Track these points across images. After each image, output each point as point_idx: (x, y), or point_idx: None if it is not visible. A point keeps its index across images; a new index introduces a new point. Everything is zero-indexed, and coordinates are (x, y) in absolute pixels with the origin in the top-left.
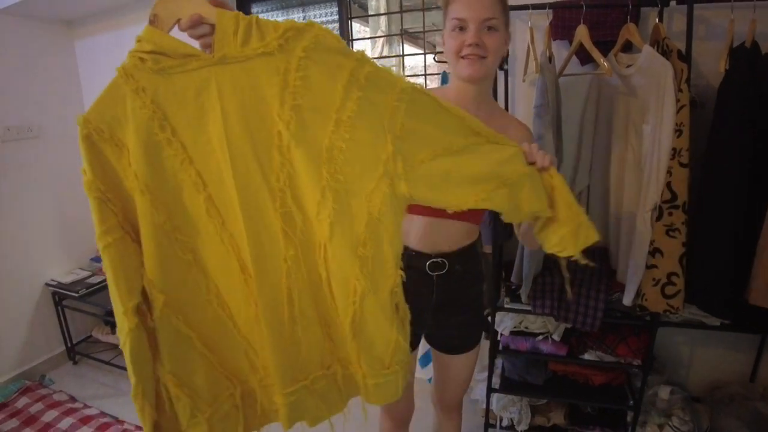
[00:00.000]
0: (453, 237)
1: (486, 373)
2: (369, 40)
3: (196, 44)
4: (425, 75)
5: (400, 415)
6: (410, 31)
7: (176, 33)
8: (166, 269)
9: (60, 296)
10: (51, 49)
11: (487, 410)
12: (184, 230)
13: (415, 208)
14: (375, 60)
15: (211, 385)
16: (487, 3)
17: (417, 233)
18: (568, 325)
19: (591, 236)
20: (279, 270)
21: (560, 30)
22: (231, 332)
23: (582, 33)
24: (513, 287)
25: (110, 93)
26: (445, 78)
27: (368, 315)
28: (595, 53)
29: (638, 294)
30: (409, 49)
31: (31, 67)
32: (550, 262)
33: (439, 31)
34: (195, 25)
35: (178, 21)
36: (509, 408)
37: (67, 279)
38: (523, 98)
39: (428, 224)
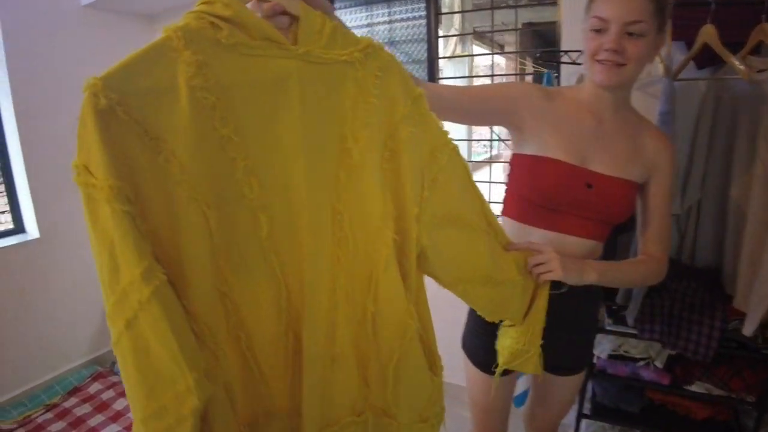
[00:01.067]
0: (576, 255)
1: (576, 397)
2: (442, 38)
3: None
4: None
5: None
6: (479, 30)
7: None
8: (211, 308)
9: None
10: (133, 41)
11: None
12: (229, 256)
13: (535, 220)
14: (447, 59)
15: None
16: (636, 3)
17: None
18: (674, 352)
19: (527, 369)
20: (326, 301)
21: (677, 29)
22: (252, 369)
23: (709, 33)
24: (614, 307)
25: (152, 55)
26: (549, 78)
27: (414, 360)
28: (728, 56)
29: (762, 324)
30: (477, 49)
31: (113, 59)
32: (659, 282)
33: (510, 32)
34: (277, 13)
35: (260, 1)
36: None
37: None
38: (634, 102)
39: (549, 238)
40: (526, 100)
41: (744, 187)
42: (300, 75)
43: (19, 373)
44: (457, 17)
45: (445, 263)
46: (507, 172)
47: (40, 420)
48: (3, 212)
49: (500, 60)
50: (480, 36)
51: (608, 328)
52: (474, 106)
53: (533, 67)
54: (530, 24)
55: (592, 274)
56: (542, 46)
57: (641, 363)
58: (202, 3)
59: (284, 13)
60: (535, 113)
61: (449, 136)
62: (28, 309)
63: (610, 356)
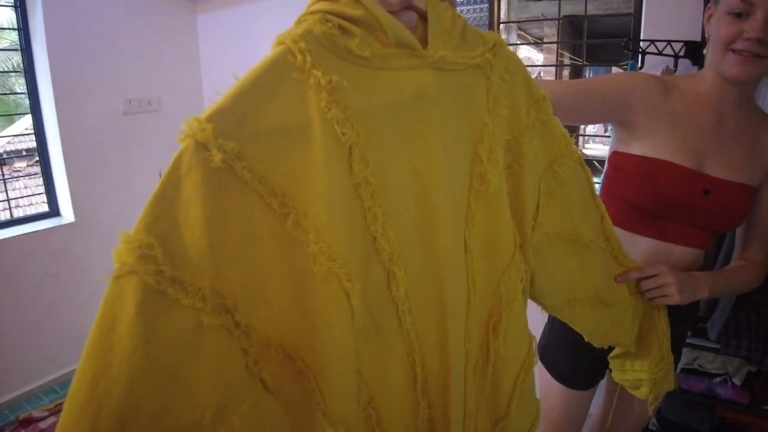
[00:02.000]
0: (685, 267)
1: None
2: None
3: None
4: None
5: None
6: (523, 27)
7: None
8: (349, 397)
9: None
10: (174, 23)
11: None
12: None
13: (641, 228)
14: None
15: None
16: None
17: (640, 255)
18: (753, 369)
19: (669, 388)
20: (457, 353)
21: None
22: None
23: None
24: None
25: (267, 81)
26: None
27: (527, 392)
28: None
29: None
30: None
31: (155, 40)
32: (742, 295)
33: (545, 21)
34: (402, 8)
35: None
36: None
37: None
38: None
39: (654, 247)
40: (642, 95)
41: None
42: (437, 89)
43: (51, 359)
44: (504, 7)
45: (553, 286)
46: (606, 171)
47: None
48: (39, 194)
49: (534, 53)
50: (519, 28)
51: (688, 341)
52: (589, 104)
53: (571, 59)
54: (576, 16)
55: (705, 290)
56: (578, 38)
57: (717, 379)
58: (322, 1)
59: (410, 7)
60: (650, 110)
61: (573, 145)
62: (63, 294)
63: (683, 370)
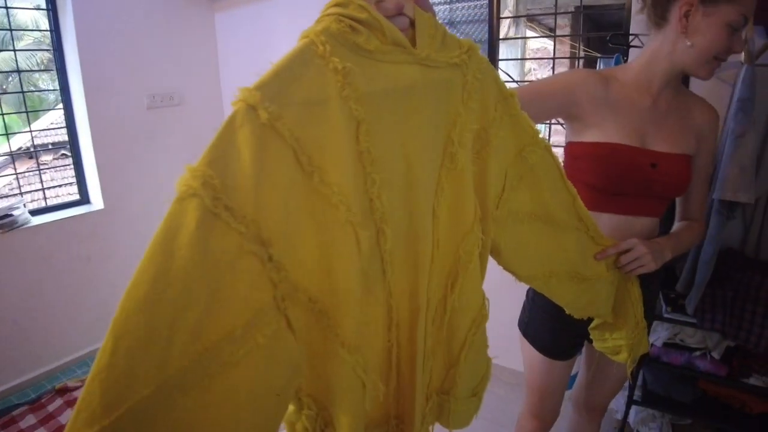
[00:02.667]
0: (643, 235)
1: (626, 383)
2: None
3: None
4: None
5: (550, 416)
6: (532, 13)
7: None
8: (360, 330)
9: None
10: (193, 20)
11: (624, 422)
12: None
13: (602, 206)
14: (504, 40)
15: None
16: None
17: (606, 231)
18: (732, 343)
19: (644, 350)
20: (421, 305)
21: (758, 12)
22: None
23: None
24: (672, 295)
25: (297, 63)
26: (618, 62)
27: (479, 345)
28: None
29: None
30: (529, 32)
31: (175, 38)
32: (721, 273)
33: (561, 16)
34: (398, 13)
35: (379, 1)
36: (648, 423)
37: None
38: (706, 88)
39: (617, 221)
40: (583, 88)
41: None
42: (423, 81)
43: (84, 335)
44: (511, 1)
45: (524, 258)
46: (564, 162)
47: None
48: (70, 184)
49: (549, 44)
50: (531, 19)
51: (666, 316)
52: (541, 104)
53: (584, 51)
54: (587, 7)
55: (669, 253)
56: (593, 30)
57: (697, 353)
58: (336, 5)
59: (402, 14)
60: (593, 100)
61: (540, 135)
62: (93, 275)
63: (665, 344)
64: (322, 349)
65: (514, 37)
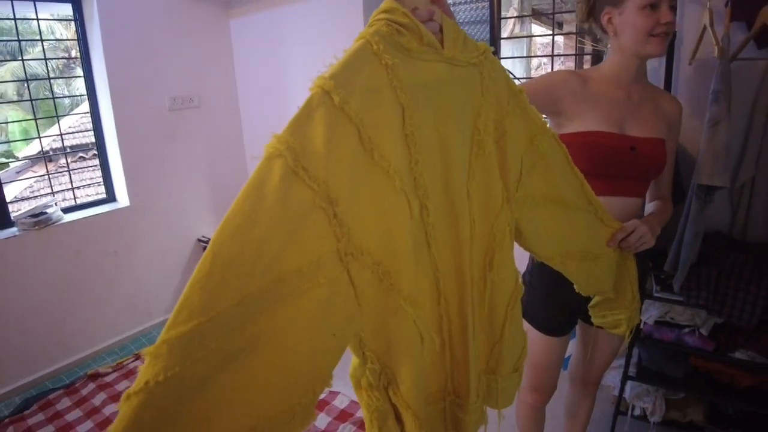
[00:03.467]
0: (629, 214)
1: (622, 360)
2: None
3: None
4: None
5: (548, 389)
6: (540, 10)
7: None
8: (419, 290)
9: None
10: (209, 27)
11: (620, 397)
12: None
13: (592, 188)
14: (507, 39)
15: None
16: None
17: None
18: (719, 320)
19: (636, 321)
20: (467, 280)
21: (740, 11)
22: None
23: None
24: (662, 276)
25: (359, 57)
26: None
27: (516, 319)
28: None
29: None
30: (537, 29)
31: (194, 44)
32: (706, 253)
33: (568, 13)
34: (429, 20)
35: (415, 9)
36: (643, 398)
37: None
38: (686, 82)
39: (607, 202)
40: (565, 87)
41: None
42: (450, 77)
43: (111, 325)
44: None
45: (543, 239)
46: None
47: (131, 366)
48: (97, 184)
49: (558, 39)
50: (538, 15)
51: (656, 295)
52: (532, 103)
53: (592, 46)
54: None
55: (658, 228)
56: None
57: (686, 330)
58: (384, 12)
59: (432, 20)
60: (574, 96)
61: (548, 125)
62: (120, 270)
63: (657, 322)
64: (385, 305)
65: (514, 36)
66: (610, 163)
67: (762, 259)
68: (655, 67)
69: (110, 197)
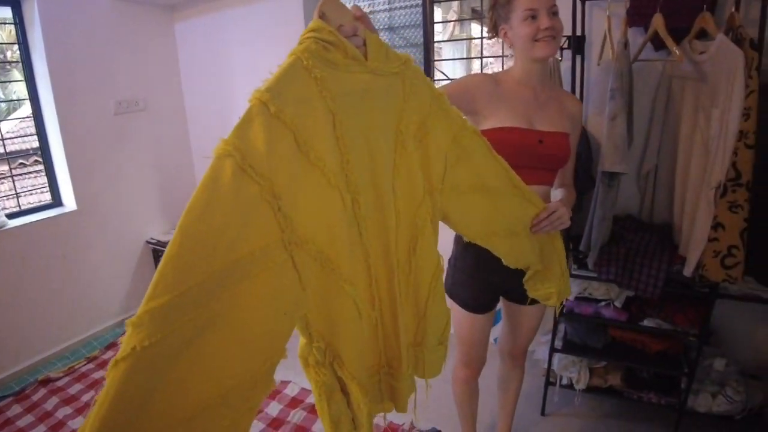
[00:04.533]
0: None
1: (549, 336)
2: (441, 23)
3: None
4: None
5: (478, 364)
6: (479, 10)
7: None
8: (356, 272)
9: (158, 252)
10: (154, 31)
11: (549, 369)
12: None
13: None
14: (447, 42)
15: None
16: None
17: None
18: (630, 293)
19: (567, 294)
20: (394, 264)
21: (637, 17)
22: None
23: (657, 21)
24: (580, 256)
25: (291, 71)
26: None
27: (439, 296)
28: (669, 41)
29: (699, 265)
30: (478, 30)
31: (139, 47)
32: (617, 234)
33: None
34: (354, 35)
35: (340, 26)
36: (569, 368)
37: (164, 238)
38: (597, 80)
39: None
40: (480, 88)
41: (687, 153)
42: (374, 86)
43: (62, 330)
44: (456, 2)
45: (469, 222)
46: None
47: (83, 369)
48: (40, 191)
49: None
50: (480, 16)
51: (574, 272)
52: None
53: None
54: None
55: (570, 211)
56: None
57: (603, 303)
58: (312, 30)
59: (356, 35)
60: (487, 96)
61: (468, 123)
62: (69, 273)
63: (577, 298)
64: (327, 288)
65: (453, 38)
66: (522, 154)
67: (665, 236)
68: (569, 67)
69: (56, 201)
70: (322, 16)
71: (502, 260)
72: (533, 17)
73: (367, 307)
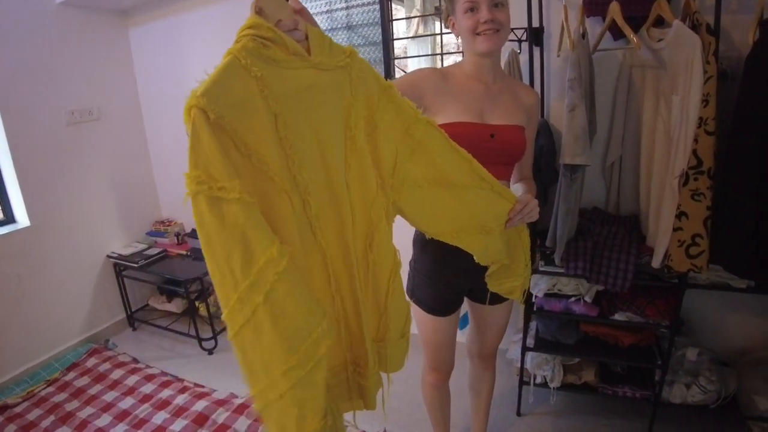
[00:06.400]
0: None
1: (521, 335)
2: (405, 19)
3: None
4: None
5: (446, 367)
6: (439, 7)
7: None
8: (311, 273)
9: (120, 267)
10: (107, 37)
11: (522, 368)
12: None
13: None
14: (411, 39)
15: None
16: None
17: None
18: (600, 287)
19: (526, 286)
20: (353, 261)
21: (593, 6)
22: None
23: (614, 10)
24: (548, 252)
25: (228, 72)
26: None
27: (398, 290)
28: (627, 29)
29: (666, 256)
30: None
31: (91, 54)
32: (583, 227)
33: None
34: (294, 29)
35: (279, 21)
36: (543, 366)
37: (126, 251)
38: (558, 72)
39: None
40: (426, 83)
41: (651, 142)
42: (319, 81)
43: (19, 353)
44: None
45: (430, 218)
46: None
47: (43, 393)
48: None
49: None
50: (429, 15)
51: (541, 269)
52: None
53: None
54: None
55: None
56: None
57: (573, 299)
58: (249, 27)
59: (297, 29)
60: (436, 91)
61: (421, 114)
62: (25, 293)
63: (546, 294)
64: None
65: (411, 36)
66: (473, 149)
67: (632, 228)
68: (527, 60)
69: (8, 218)
70: (259, 11)
71: (474, 257)
72: (472, 9)
73: (326, 306)
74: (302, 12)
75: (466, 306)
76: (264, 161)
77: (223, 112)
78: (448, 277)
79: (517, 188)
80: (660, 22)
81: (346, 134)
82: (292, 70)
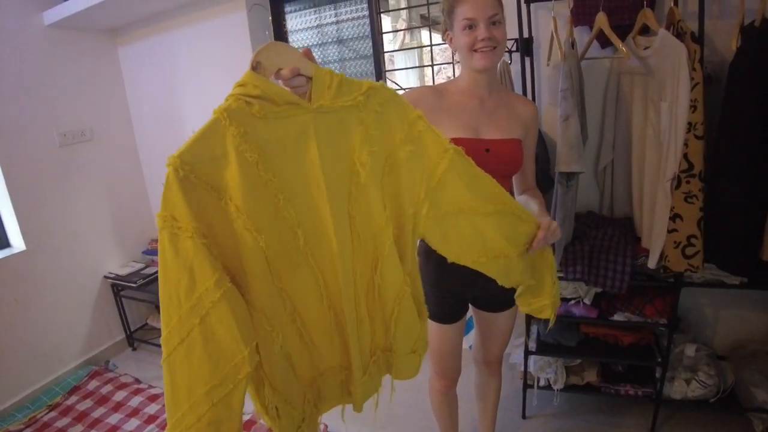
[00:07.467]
0: None
1: (523, 339)
2: (390, 33)
3: None
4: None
5: (452, 374)
6: (435, 18)
7: None
8: (271, 300)
9: (118, 287)
10: (97, 57)
11: (525, 372)
12: (280, 262)
13: None
14: (399, 50)
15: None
16: (490, 1)
17: None
18: (598, 290)
19: (558, 304)
20: (352, 282)
21: (581, 16)
22: (307, 342)
23: (601, 20)
24: None
25: (208, 133)
26: None
27: (407, 312)
28: (614, 38)
29: (662, 257)
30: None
31: (81, 75)
32: (579, 231)
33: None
34: (294, 76)
35: (279, 71)
36: (546, 369)
37: (123, 271)
38: (547, 81)
39: None
40: (420, 103)
41: (641, 147)
42: (315, 124)
43: (19, 378)
44: (404, 11)
45: (453, 245)
46: None
47: (45, 419)
48: None
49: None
50: (433, 24)
51: None
52: None
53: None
54: None
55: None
56: None
57: (572, 302)
58: (238, 86)
59: (301, 74)
60: (430, 109)
61: (449, 143)
62: (23, 317)
63: None
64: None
65: (405, 47)
66: None
67: (627, 230)
68: (519, 70)
69: (4, 243)
70: (255, 66)
71: (498, 282)
72: (470, 27)
73: (317, 319)
74: (308, 54)
75: (470, 311)
76: (234, 204)
77: (196, 168)
78: (452, 286)
79: (522, 199)
80: (645, 31)
81: (351, 169)
82: (284, 119)
